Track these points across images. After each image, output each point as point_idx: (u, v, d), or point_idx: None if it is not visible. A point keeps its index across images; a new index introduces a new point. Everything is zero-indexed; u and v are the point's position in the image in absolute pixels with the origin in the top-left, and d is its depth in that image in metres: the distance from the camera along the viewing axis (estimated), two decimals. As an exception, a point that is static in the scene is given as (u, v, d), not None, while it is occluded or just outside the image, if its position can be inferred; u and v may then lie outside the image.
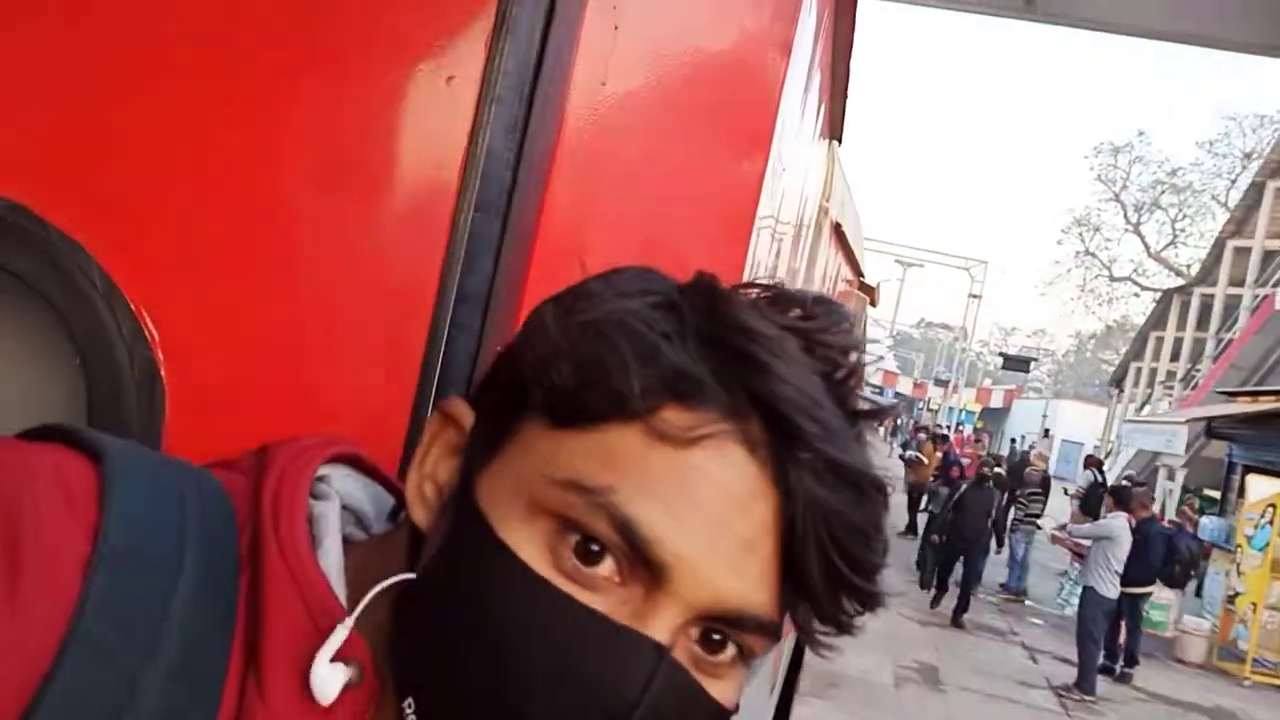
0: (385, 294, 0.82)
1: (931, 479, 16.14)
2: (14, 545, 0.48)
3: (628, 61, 0.96)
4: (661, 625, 0.52)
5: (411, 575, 0.57)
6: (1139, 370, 30.66)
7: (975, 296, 47.32)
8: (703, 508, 0.51)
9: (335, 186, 0.80)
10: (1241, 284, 23.12)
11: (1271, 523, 11.03)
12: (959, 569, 11.50)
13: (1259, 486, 11.90)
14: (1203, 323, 25.77)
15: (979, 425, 35.21)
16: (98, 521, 0.51)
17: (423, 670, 0.55)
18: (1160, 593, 11.26)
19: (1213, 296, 25.12)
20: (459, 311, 0.83)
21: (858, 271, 4.71)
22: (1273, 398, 12.94)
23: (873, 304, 5.34)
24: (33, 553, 0.49)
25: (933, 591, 11.77)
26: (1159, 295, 31.42)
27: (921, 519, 15.29)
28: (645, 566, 0.52)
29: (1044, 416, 33.78)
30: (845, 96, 2.88)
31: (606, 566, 0.52)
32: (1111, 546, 9.33)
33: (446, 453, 0.60)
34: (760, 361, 0.52)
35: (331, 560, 0.59)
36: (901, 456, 20.57)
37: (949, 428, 28.56)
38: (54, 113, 0.75)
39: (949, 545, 11.73)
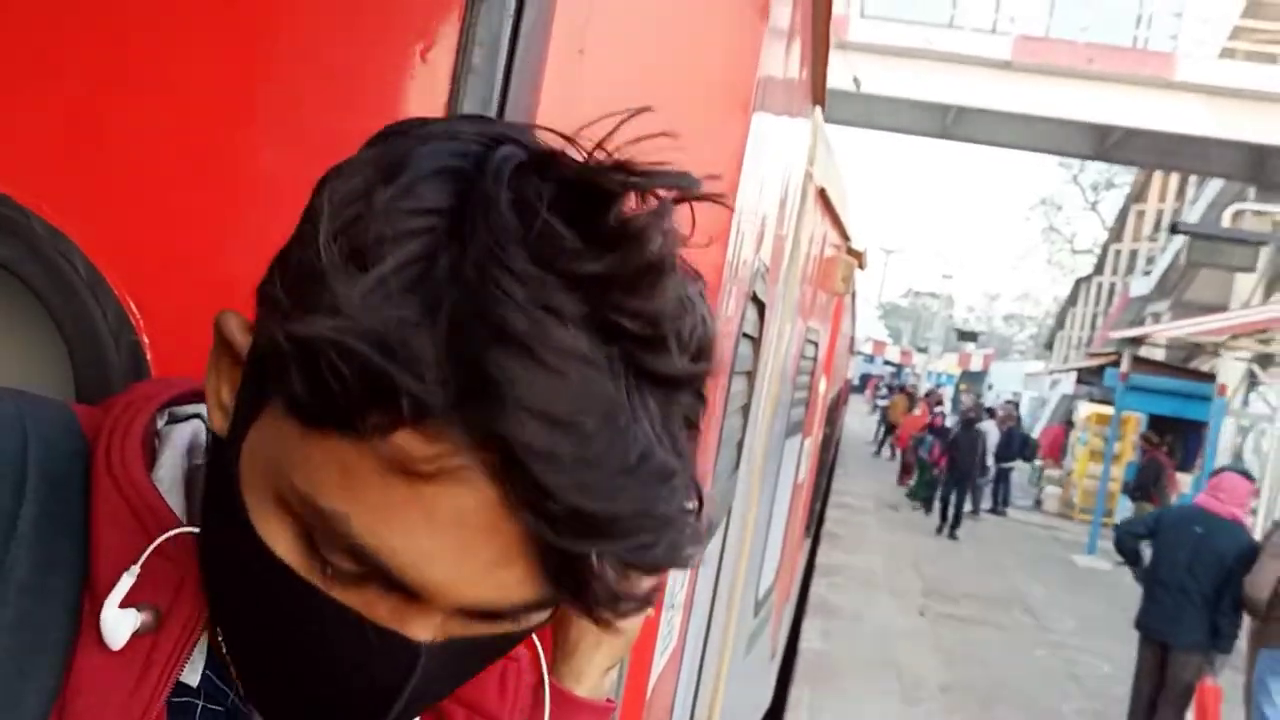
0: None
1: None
2: None
3: (606, 28, 0.91)
4: (421, 627, 0.50)
5: (189, 530, 0.57)
6: (1062, 338, 39.51)
7: (947, 276, 55.60)
8: (445, 537, 0.48)
9: (315, 164, 0.73)
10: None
11: (1087, 430, 19.83)
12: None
13: (1081, 411, 20.85)
14: (1099, 303, 34.77)
15: (961, 387, 39.30)
16: None
17: (216, 613, 0.56)
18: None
19: (1102, 285, 34.14)
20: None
21: (845, 235, 4.53)
22: (1102, 358, 21.46)
23: (861, 267, 5.43)
24: None
25: (938, 520, 15.12)
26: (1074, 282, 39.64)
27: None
28: (395, 585, 0.49)
29: (987, 375, 41.62)
30: (826, 62, 2.74)
31: (360, 573, 0.49)
32: (985, 438, 18.16)
33: (230, 368, 0.55)
34: (502, 396, 0.44)
35: (165, 473, 0.57)
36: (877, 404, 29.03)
37: (930, 389, 35.15)
38: (35, 101, 0.76)
39: (948, 477, 15.08)
